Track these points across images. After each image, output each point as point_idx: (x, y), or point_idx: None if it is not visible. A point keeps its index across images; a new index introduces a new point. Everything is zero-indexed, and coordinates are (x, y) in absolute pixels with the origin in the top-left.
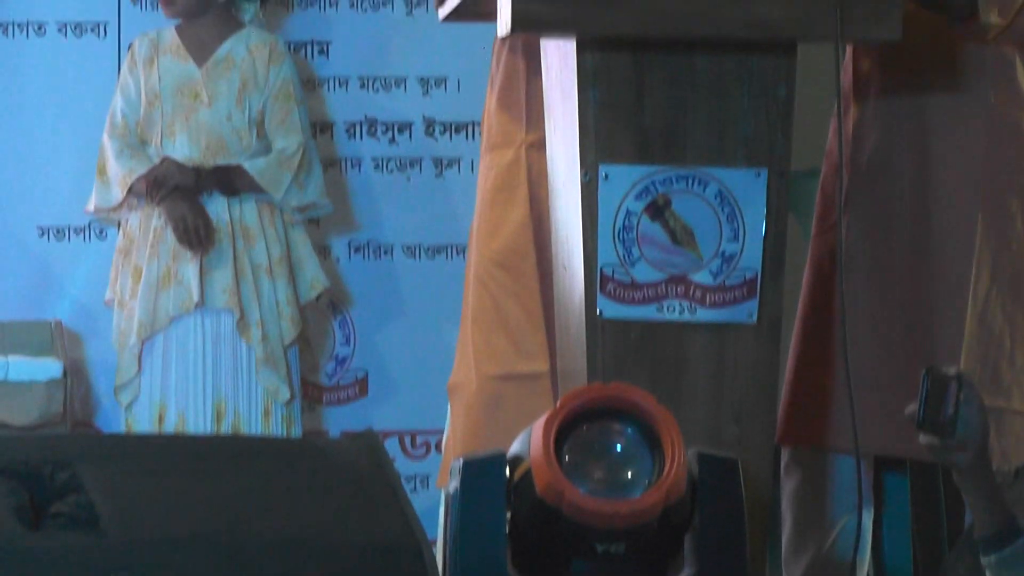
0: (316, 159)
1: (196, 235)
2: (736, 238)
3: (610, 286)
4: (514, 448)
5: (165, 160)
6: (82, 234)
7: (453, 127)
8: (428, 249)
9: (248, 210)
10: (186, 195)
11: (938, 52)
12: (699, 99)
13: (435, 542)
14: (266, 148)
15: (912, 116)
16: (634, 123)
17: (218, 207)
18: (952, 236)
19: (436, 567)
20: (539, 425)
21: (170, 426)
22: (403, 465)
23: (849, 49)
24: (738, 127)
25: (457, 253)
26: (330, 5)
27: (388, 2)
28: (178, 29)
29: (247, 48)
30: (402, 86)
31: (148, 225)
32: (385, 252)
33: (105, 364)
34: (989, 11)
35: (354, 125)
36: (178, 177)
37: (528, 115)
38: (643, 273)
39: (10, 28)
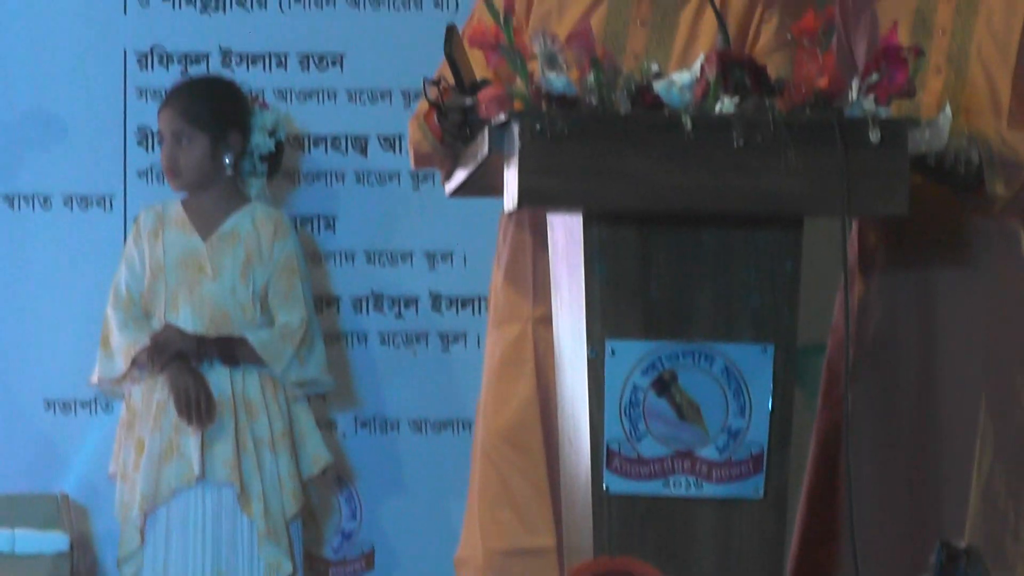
0: (319, 335)
1: (197, 409)
2: (742, 413)
3: (616, 461)
4: None
5: (167, 326)
6: (88, 407)
7: (459, 302)
8: (434, 424)
9: (251, 383)
10: (188, 365)
11: (944, 225)
12: (705, 274)
13: None
14: (270, 321)
15: (917, 289)
16: (640, 298)
17: (220, 380)
18: (956, 410)
19: None
20: None
21: None
22: None
23: (855, 223)
24: (744, 302)
25: (463, 428)
26: (337, 180)
27: (395, 176)
28: (184, 203)
29: (252, 222)
30: (408, 260)
31: (151, 398)
32: (391, 427)
33: (111, 537)
34: (995, 183)
35: (360, 300)
36: (180, 343)
37: (535, 290)
38: (649, 448)
39: (16, 201)
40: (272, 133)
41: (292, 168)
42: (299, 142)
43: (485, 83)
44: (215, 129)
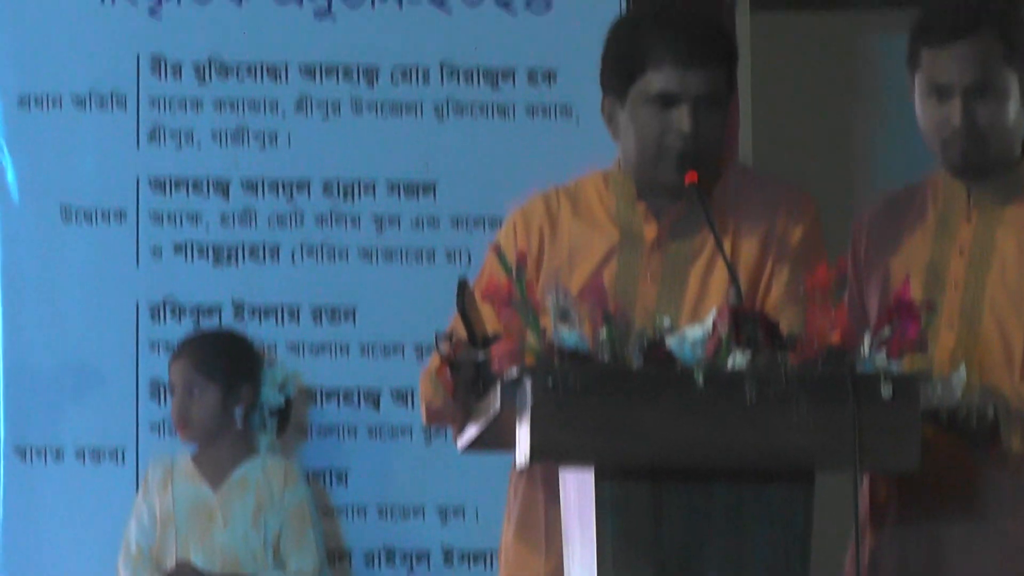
0: None
1: None
2: None
3: None
4: None
5: (181, 563)
6: None
7: (471, 556)
8: None
9: None
10: None
11: (956, 478)
12: (717, 528)
13: None
14: (282, 567)
15: (928, 543)
16: (652, 553)
17: None
18: None
19: None
20: None
21: None
22: None
23: (866, 477)
24: (756, 556)
25: None
26: (349, 434)
27: (407, 431)
28: (194, 456)
29: (262, 470)
30: (420, 515)
31: None
32: None
33: None
34: (1012, 437)
35: (372, 554)
36: None
37: (547, 544)
38: None
39: (28, 452)
40: (281, 389)
41: (303, 422)
42: (311, 396)
43: (497, 337)
44: (226, 381)
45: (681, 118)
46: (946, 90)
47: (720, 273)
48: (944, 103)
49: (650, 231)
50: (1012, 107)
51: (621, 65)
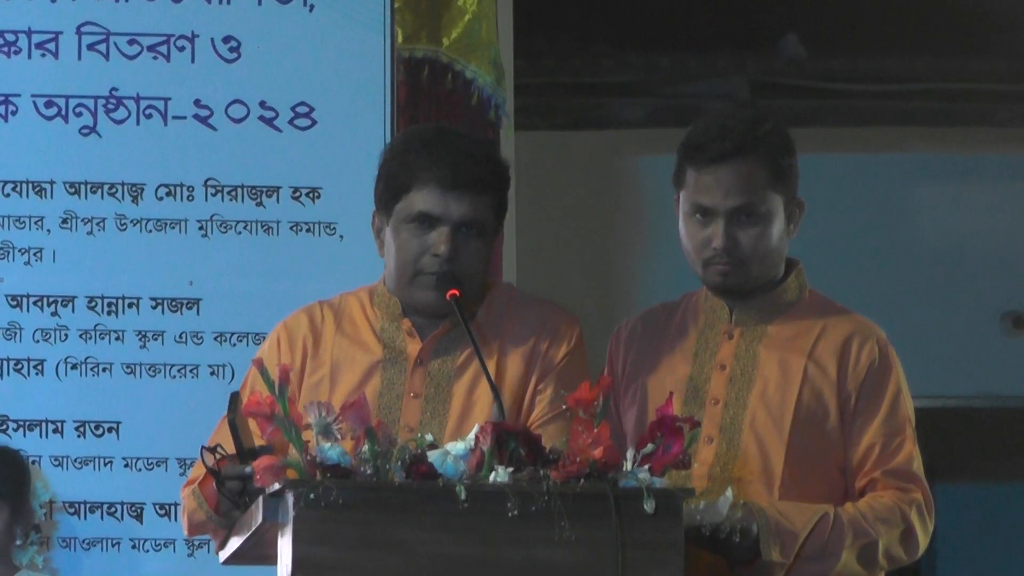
0: None
1: None
2: None
3: None
4: None
5: None
6: None
7: None
8: None
9: None
10: None
11: None
12: None
13: None
14: None
15: None
16: None
17: None
18: None
19: None
20: None
21: None
22: None
23: None
24: None
25: None
26: (112, 546)
27: (170, 544)
28: None
29: None
30: None
31: None
32: None
33: None
34: (772, 550)
35: None
36: None
37: None
38: None
39: None
40: (44, 504)
41: (67, 536)
42: (75, 510)
43: (265, 449)
44: (14, 500)
45: (439, 241)
46: (710, 212)
47: (484, 390)
48: (707, 224)
49: (413, 348)
50: (775, 230)
51: (389, 183)
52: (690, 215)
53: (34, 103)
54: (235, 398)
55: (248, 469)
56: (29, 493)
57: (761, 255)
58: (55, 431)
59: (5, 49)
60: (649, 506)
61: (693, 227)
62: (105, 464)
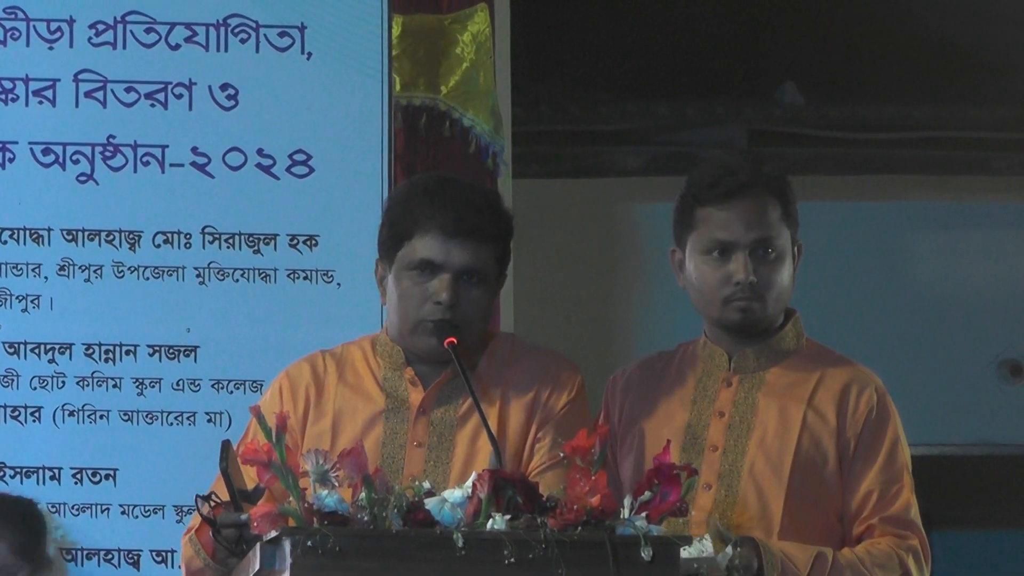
0: None
1: None
2: None
3: None
4: None
5: None
6: None
7: None
8: None
9: None
10: None
11: None
12: None
13: None
14: None
15: None
16: None
17: None
18: None
19: None
20: None
21: None
22: None
23: None
24: None
25: None
26: None
27: None
28: None
29: None
30: None
31: None
32: None
33: None
34: None
35: None
36: None
37: None
38: None
39: None
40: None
41: None
42: (72, 556)
43: (258, 492)
44: (35, 560)
45: (440, 288)
46: (729, 247)
47: (487, 439)
48: (726, 261)
49: (416, 397)
50: (788, 267)
51: (392, 230)
52: (705, 254)
53: (31, 150)
54: (226, 445)
55: (244, 516)
56: (47, 546)
57: (777, 291)
58: (52, 478)
59: (3, 96)
60: (646, 554)
61: (710, 266)
62: (102, 511)
